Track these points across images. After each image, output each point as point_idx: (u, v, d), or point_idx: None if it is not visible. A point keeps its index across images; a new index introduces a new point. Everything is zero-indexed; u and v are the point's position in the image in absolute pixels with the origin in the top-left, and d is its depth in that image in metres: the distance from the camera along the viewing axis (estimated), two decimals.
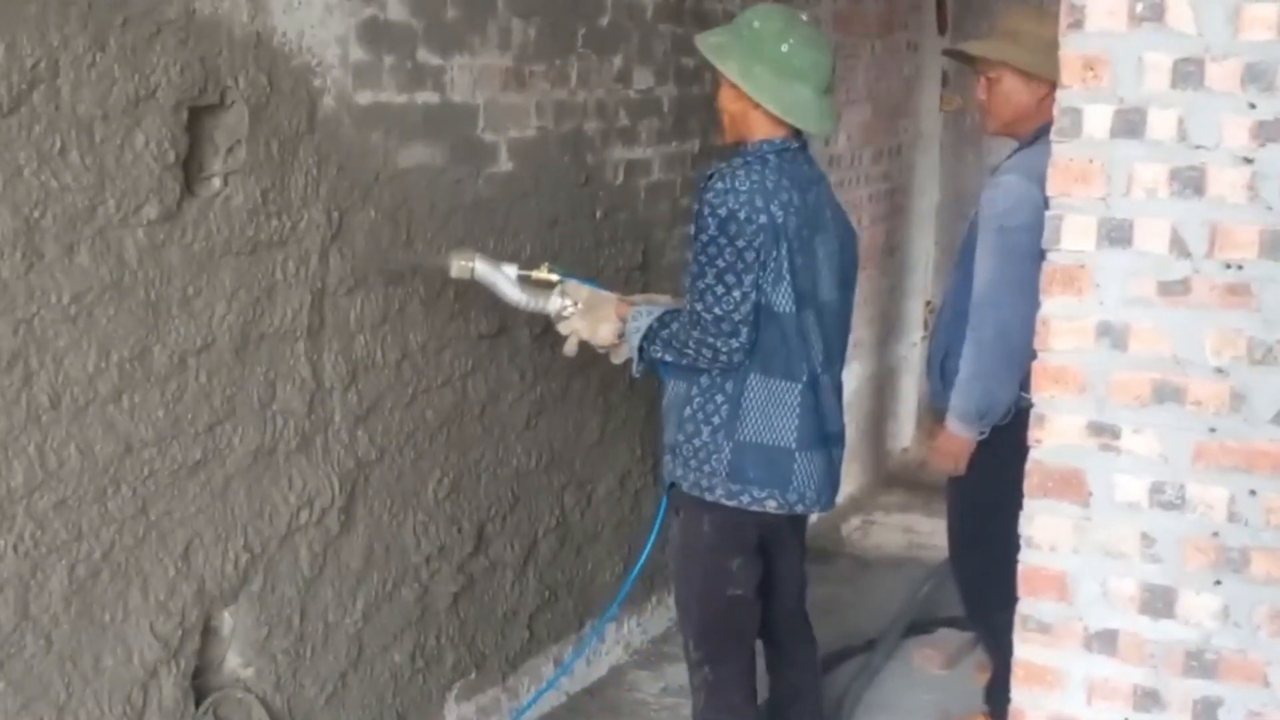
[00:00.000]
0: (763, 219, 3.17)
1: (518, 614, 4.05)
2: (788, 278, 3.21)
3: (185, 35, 2.80)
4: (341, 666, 3.43)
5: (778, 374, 3.26)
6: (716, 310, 3.18)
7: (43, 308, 2.61)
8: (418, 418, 3.58)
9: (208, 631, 3.07)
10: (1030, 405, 2.60)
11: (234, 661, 3.16)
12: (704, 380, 3.29)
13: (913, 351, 6.94)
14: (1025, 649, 2.63)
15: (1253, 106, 2.36)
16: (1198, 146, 2.40)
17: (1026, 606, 2.62)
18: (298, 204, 3.13)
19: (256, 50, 2.97)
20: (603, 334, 3.47)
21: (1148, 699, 2.54)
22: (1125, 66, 2.43)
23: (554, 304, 3.50)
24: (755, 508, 3.31)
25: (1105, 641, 2.56)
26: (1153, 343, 2.47)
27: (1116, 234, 2.47)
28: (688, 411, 3.32)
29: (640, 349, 3.37)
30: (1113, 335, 2.49)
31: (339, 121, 3.21)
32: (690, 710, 3.59)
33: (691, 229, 3.27)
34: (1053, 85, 2.62)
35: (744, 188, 3.19)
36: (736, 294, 3.17)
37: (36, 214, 2.57)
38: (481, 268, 3.49)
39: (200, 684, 3.06)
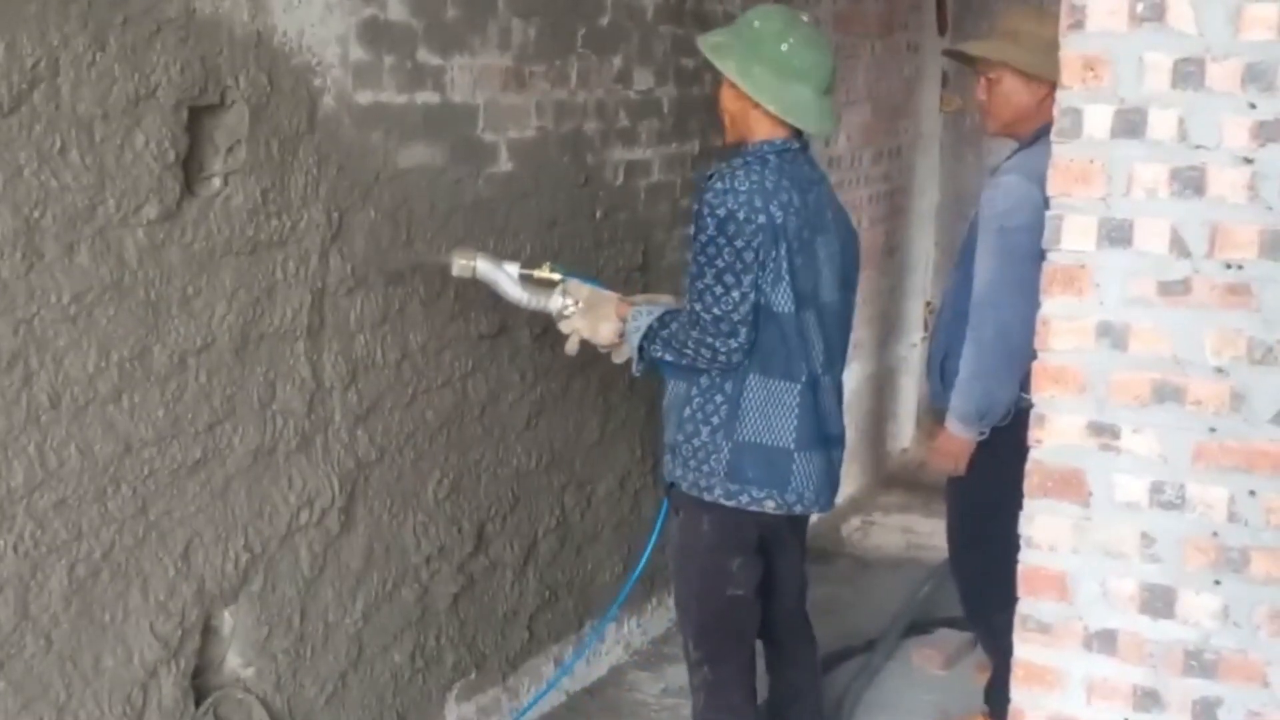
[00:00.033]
0: (761, 219, 3.17)
1: (518, 614, 4.05)
2: (787, 278, 3.21)
3: (185, 34, 2.80)
4: (341, 666, 3.43)
5: (777, 374, 3.26)
6: (715, 310, 3.18)
7: (43, 307, 2.61)
8: (418, 418, 3.58)
9: (208, 631, 3.07)
10: (1030, 405, 2.60)
11: (234, 661, 3.16)
12: (704, 380, 3.30)
13: (912, 352, 6.94)
14: (1025, 649, 2.63)
15: (1253, 106, 2.36)
16: (1198, 146, 2.40)
17: (1026, 606, 2.62)
18: (298, 204, 3.13)
19: (257, 49, 2.97)
20: (603, 333, 3.47)
21: (1147, 699, 2.54)
22: (1126, 66, 2.43)
23: (555, 303, 3.51)
24: (754, 508, 3.31)
25: (1105, 641, 2.56)
26: (1153, 343, 2.47)
27: (1117, 234, 2.47)
28: (687, 411, 3.32)
29: (640, 348, 3.37)
30: (1113, 335, 2.49)
31: (339, 121, 3.22)
32: (690, 710, 3.59)
33: (691, 229, 3.27)
34: (1053, 86, 2.62)
35: (743, 188, 3.20)
36: (735, 294, 3.17)
37: (36, 214, 2.57)
38: (483, 266, 3.49)
39: (200, 684, 3.06)
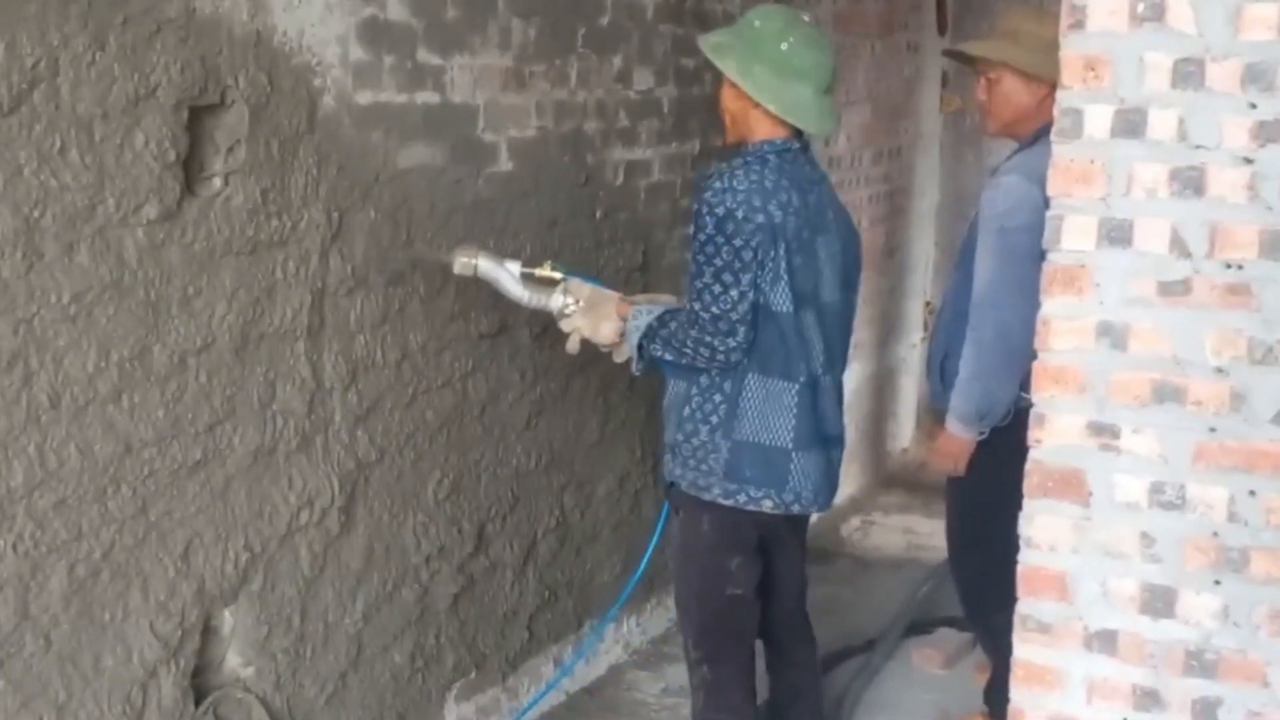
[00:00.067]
0: (760, 218, 3.17)
1: (517, 614, 4.05)
2: (785, 277, 3.21)
3: (185, 34, 2.80)
4: (341, 666, 3.43)
5: (775, 374, 3.26)
6: (714, 309, 3.18)
7: (43, 307, 2.61)
8: (418, 418, 3.58)
9: (208, 631, 3.07)
10: (1030, 405, 2.60)
11: (234, 661, 3.16)
12: (703, 380, 3.30)
13: (912, 352, 6.94)
14: (1025, 649, 2.62)
15: (1253, 107, 2.36)
16: (1198, 146, 2.40)
17: (1026, 606, 2.62)
18: (298, 204, 3.13)
19: (256, 49, 2.97)
20: (604, 332, 3.47)
21: (1147, 699, 2.54)
22: (1126, 66, 2.43)
23: (556, 301, 3.51)
24: (752, 507, 3.31)
25: (1105, 641, 2.56)
26: (1153, 343, 2.47)
27: (1117, 234, 2.47)
28: (687, 411, 3.32)
29: (640, 347, 3.37)
30: (1113, 335, 2.49)
31: (339, 121, 3.22)
32: (690, 710, 3.59)
33: (691, 229, 3.27)
34: (1053, 86, 2.62)
35: (742, 187, 3.20)
36: (734, 293, 3.17)
37: (36, 213, 2.57)
38: (485, 264, 3.50)
39: (200, 683, 3.06)
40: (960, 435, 3.71)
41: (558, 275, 3.53)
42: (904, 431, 7.05)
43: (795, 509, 3.36)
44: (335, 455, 3.33)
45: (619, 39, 4.24)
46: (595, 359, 3.72)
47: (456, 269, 3.49)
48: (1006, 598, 2.66)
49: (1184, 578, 2.49)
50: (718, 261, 3.17)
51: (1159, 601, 2.51)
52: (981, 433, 3.68)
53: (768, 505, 3.31)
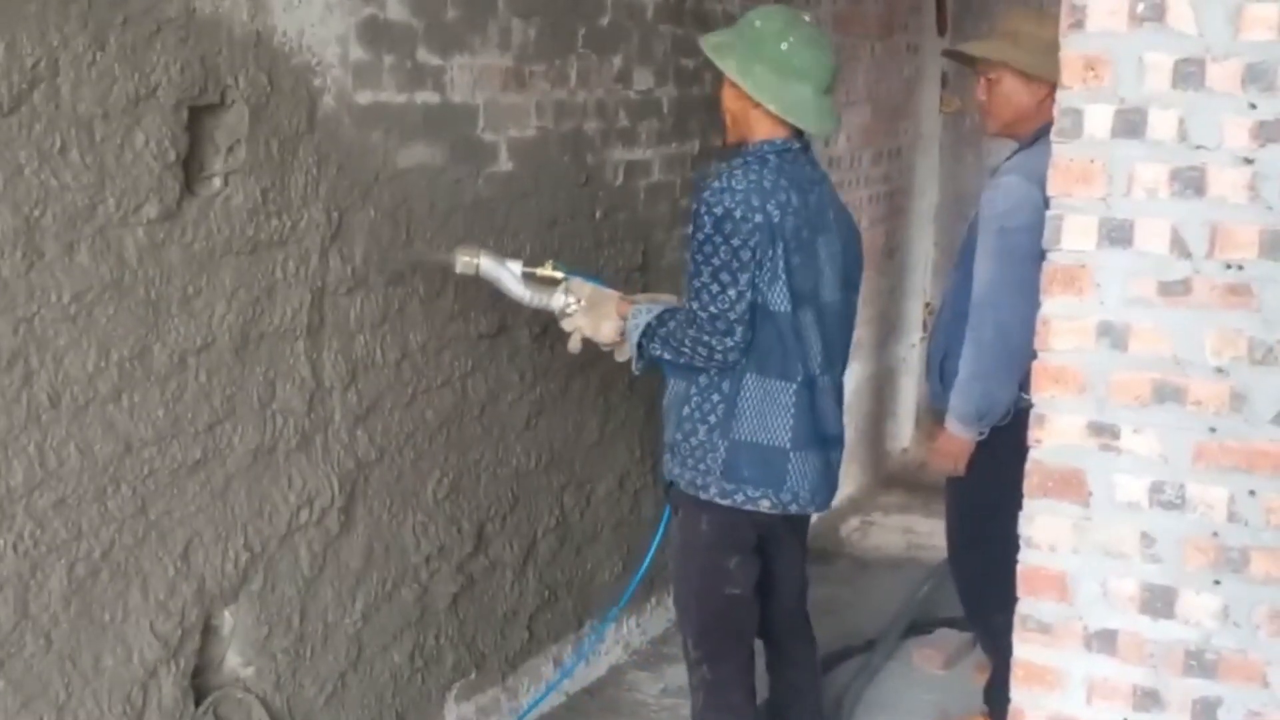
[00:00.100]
0: (758, 218, 3.17)
1: (517, 614, 4.05)
2: (783, 277, 3.21)
3: (185, 34, 2.80)
4: (341, 666, 3.43)
5: (773, 374, 3.26)
6: (712, 309, 3.19)
7: (43, 307, 2.61)
8: (417, 418, 3.58)
9: (208, 631, 3.07)
10: (1030, 405, 2.60)
11: (234, 661, 3.16)
12: (702, 379, 3.30)
13: (912, 352, 6.94)
14: (1025, 649, 2.62)
15: (1253, 107, 2.36)
16: (1198, 147, 2.40)
17: (1026, 606, 2.62)
18: (298, 204, 3.13)
19: (256, 49, 2.97)
20: (605, 331, 3.47)
21: (1147, 699, 2.54)
22: (1126, 67, 2.43)
23: (558, 301, 3.51)
24: (749, 507, 3.31)
25: (1105, 641, 2.56)
26: (1153, 343, 2.47)
27: (1117, 234, 2.47)
28: (686, 410, 3.33)
29: (640, 346, 3.37)
30: (1113, 335, 2.49)
31: (339, 121, 3.22)
32: (689, 710, 3.59)
33: (690, 228, 3.27)
34: (1053, 86, 2.62)
35: (740, 186, 3.20)
36: (732, 292, 3.18)
37: (37, 213, 2.57)
38: (487, 263, 3.50)
39: (200, 683, 3.06)
40: (960, 435, 3.71)
41: (559, 275, 3.53)
42: (903, 432, 7.05)
43: (793, 509, 3.36)
44: (335, 455, 3.33)
45: (619, 39, 4.24)
46: (594, 359, 3.72)
47: (458, 268, 3.49)
48: (1006, 598, 2.66)
49: (1184, 578, 2.50)
50: (715, 261, 3.17)
51: (1159, 601, 2.51)
52: (981, 433, 3.68)
53: (765, 505, 3.31)
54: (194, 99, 2.84)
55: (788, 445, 3.29)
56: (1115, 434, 2.51)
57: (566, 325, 3.52)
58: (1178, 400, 2.46)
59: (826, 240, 3.34)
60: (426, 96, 3.47)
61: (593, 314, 3.48)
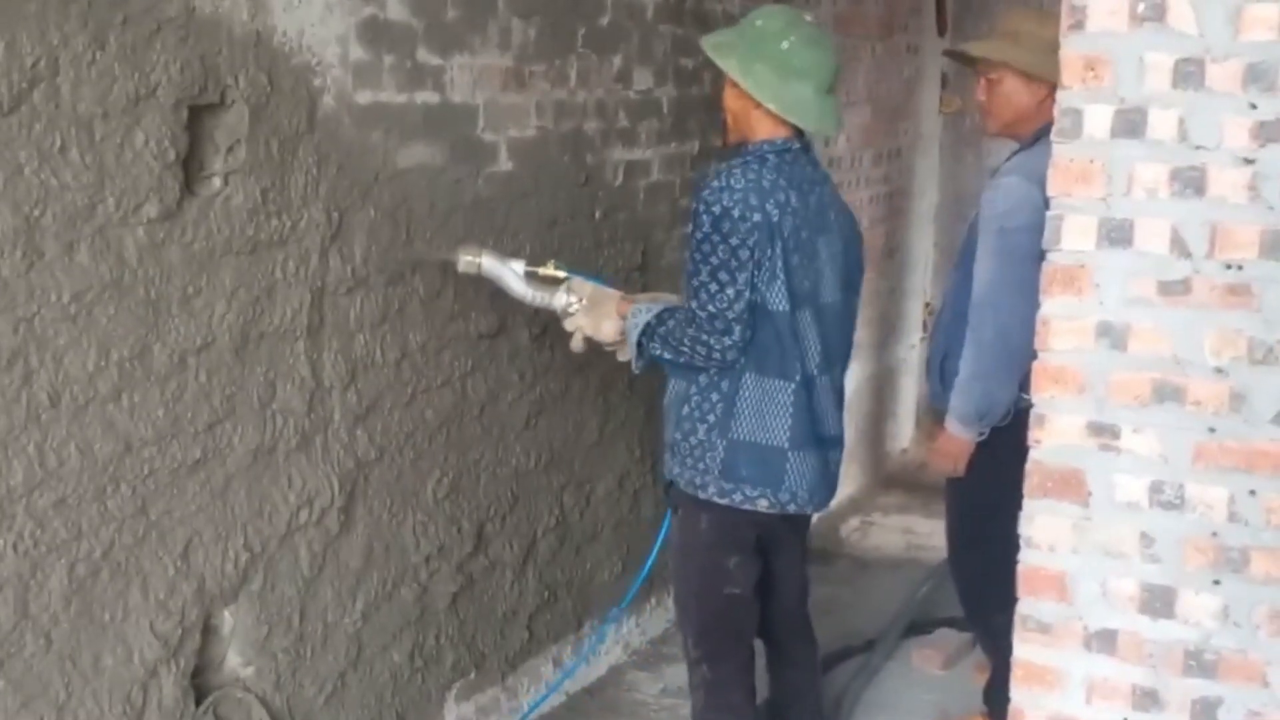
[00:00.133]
0: (756, 217, 3.17)
1: (517, 614, 4.05)
2: (782, 277, 3.21)
3: (185, 34, 2.80)
4: (341, 666, 3.43)
5: (772, 373, 3.26)
6: (710, 308, 3.19)
7: (43, 306, 2.60)
8: (417, 417, 3.58)
9: (207, 630, 3.07)
10: (1030, 406, 2.60)
11: (234, 660, 3.16)
12: (702, 379, 3.30)
13: (912, 353, 6.94)
14: (1025, 649, 2.62)
15: (1253, 107, 2.36)
16: (1198, 147, 2.40)
17: (1026, 606, 2.62)
18: (298, 203, 3.13)
19: (256, 49, 2.97)
20: (606, 330, 3.48)
21: (1147, 699, 2.54)
22: (1126, 67, 2.43)
23: (559, 300, 3.52)
24: (747, 506, 3.31)
25: (1105, 641, 2.56)
26: (1153, 343, 2.47)
27: (1117, 234, 2.47)
28: (686, 410, 3.33)
29: (639, 345, 3.37)
30: (1113, 335, 2.49)
31: (339, 121, 3.22)
32: (689, 709, 3.59)
33: (689, 228, 3.28)
34: (1053, 86, 2.62)
35: (739, 186, 3.20)
36: (730, 292, 3.18)
37: (36, 212, 2.57)
38: (489, 262, 3.51)
39: (200, 683, 3.06)
40: (960, 436, 3.71)
41: (561, 274, 3.54)
42: (903, 432, 7.05)
43: (791, 509, 3.36)
44: (335, 455, 3.33)
45: (619, 39, 4.24)
46: (594, 358, 3.72)
47: (461, 267, 3.50)
48: (1006, 598, 2.66)
49: (1184, 578, 2.50)
50: (714, 260, 3.18)
51: (1158, 601, 2.51)
52: (981, 433, 3.68)
53: (763, 504, 3.31)
54: (194, 99, 2.84)
55: (786, 445, 3.29)
56: (1115, 434, 2.51)
57: (568, 324, 3.53)
58: (1177, 400, 2.46)
59: (827, 241, 3.34)
60: (426, 96, 3.47)
61: (594, 313, 3.49)
